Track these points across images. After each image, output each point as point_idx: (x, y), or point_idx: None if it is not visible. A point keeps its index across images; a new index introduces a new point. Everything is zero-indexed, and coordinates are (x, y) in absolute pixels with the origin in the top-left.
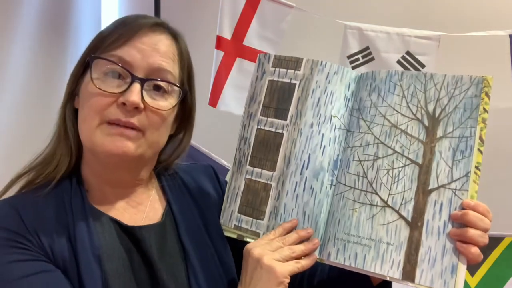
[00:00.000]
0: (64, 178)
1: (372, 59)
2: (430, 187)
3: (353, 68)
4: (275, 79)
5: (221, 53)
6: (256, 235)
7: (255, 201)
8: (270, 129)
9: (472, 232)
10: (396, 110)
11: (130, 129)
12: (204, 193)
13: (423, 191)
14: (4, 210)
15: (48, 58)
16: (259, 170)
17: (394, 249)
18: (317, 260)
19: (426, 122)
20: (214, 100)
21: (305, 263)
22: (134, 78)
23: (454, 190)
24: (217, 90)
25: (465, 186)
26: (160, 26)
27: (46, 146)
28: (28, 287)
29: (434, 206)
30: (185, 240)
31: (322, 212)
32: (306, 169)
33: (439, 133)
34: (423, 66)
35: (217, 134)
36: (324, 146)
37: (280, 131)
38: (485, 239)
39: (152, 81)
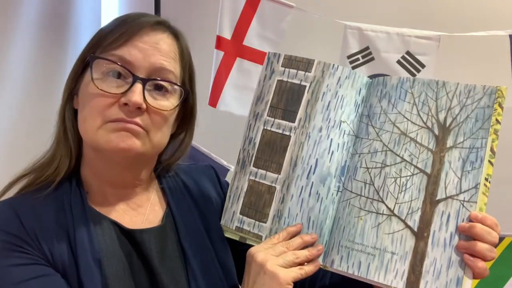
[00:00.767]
0: (63, 180)
1: (372, 59)
2: (438, 197)
3: (353, 68)
4: (285, 79)
5: (221, 53)
6: (258, 237)
7: (258, 203)
8: (277, 130)
9: (480, 246)
10: (406, 118)
11: (135, 125)
12: (205, 195)
13: (430, 201)
14: (4, 212)
15: (48, 58)
16: (263, 171)
17: (399, 259)
18: (321, 266)
19: (436, 131)
20: (214, 100)
21: (308, 269)
22: (135, 78)
23: (462, 202)
24: (217, 90)
25: (474, 198)
26: (161, 24)
27: (48, 148)
28: None
29: (441, 217)
30: (185, 244)
31: (327, 218)
32: (313, 174)
33: (449, 142)
34: (423, 66)
35: (217, 134)
36: (332, 152)
37: (287, 133)
38: (493, 254)
39: (153, 81)
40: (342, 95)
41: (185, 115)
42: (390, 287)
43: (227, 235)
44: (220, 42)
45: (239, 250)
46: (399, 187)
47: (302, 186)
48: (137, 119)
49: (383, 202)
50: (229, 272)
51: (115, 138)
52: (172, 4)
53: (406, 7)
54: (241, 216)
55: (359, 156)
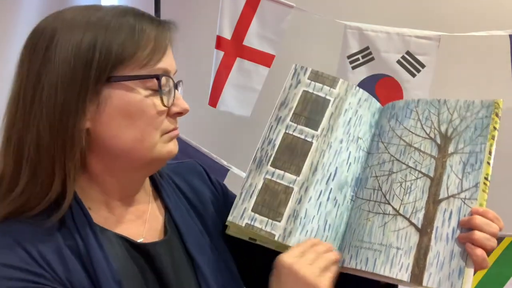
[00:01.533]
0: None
1: (372, 59)
2: (441, 197)
3: (353, 68)
4: (310, 90)
5: (221, 53)
6: (271, 236)
7: (272, 202)
8: (299, 135)
9: (478, 235)
10: (411, 132)
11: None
12: (199, 195)
13: (433, 201)
14: (9, 247)
15: None
16: (281, 172)
17: (404, 253)
18: None
19: (438, 141)
20: (214, 100)
21: (334, 270)
22: (175, 86)
23: (463, 199)
24: (217, 90)
25: (475, 196)
26: (168, 21)
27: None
28: None
29: (444, 214)
30: (191, 248)
31: (342, 223)
32: (332, 180)
33: (451, 149)
34: (423, 66)
35: (217, 134)
36: (350, 163)
37: (309, 139)
38: (492, 243)
39: (179, 83)
40: (361, 115)
41: None
42: (395, 280)
43: (230, 233)
44: (220, 42)
45: (233, 243)
46: (404, 189)
47: (321, 190)
48: None
49: (389, 203)
50: (233, 269)
51: (173, 146)
52: (172, 4)
53: (406, 7)
54: (253, 213)
55: (370, 168)
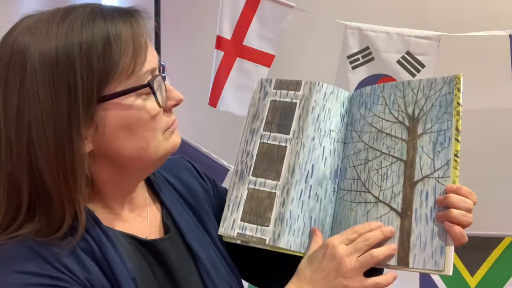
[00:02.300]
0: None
1: (372, 59)
2: (416, 179)
3: (353, 68)
4: (277, 99)
5: (221, 53)
6: (262, 241)
7: (259, 209)
8: (273, 142)
9: (454, 212)
10: (380, 117)
11: None
12: (192, 191)
13: (409, 184)
14: (28, 256)
15: None
16: (262, 180)
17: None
18: None
19: (407, 123)
20: (214, 100)
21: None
22: (163, 78)
23: (437, 178)
24: (217, 90)
25: (447, 173)
26: (138, 12)
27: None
28: None
29: (421, 196)
30: (191, 242)
31: (327, 216)
32: (311, 177)
33: (419, 130)
34: (423, 66)
35: (217, 134)
36: (326, 157)
37: (283, 144)
38: (468, 218)
39: (165, 71)
40: (329, 108)
41: None
42: (383, 264)
43: (225, 240)
44: (220, 42)
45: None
46: (381, 176)
47: (302, 190)
48: None
49: (369, 192)
50: (229, 260)
51: (176, 138)
52: (172, 4)
53: (406, 7)
54: (242, 222)
55: (347, 158)
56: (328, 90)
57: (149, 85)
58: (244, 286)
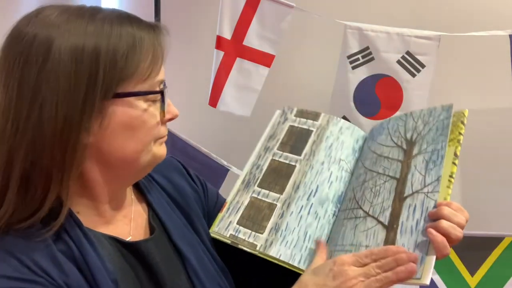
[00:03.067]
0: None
1: (372, 59)
2: (406, 194)
3: (353, 68)
4: (295, 125)
5: (221, 53)
6: (253, 246)
7: (257, 217)
8: (284, 160)
9: (444, 223)
10: (382, 144)
11: None
12: (181, 191)
13: (399, 199)
14: (3, 259)
15: None
16: (266, 191)
17: None
18: None
19: (404, 146)
20: (214, 100)
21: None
22: (164, 93)
23: (426, 193)
24: (217, 90)
25: (436, 188)
26: (161, 27)
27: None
28: None
29: (409, 209)
30: (178, 242)
31: (323, 235)
32: (313, 196)
33: (415, 151)
34: (423, 66)
35: (217, 134)
36: (332, 182)
37: (293, 163)
38: (457, 232)
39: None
40: (342, 140)
41: None
42: None
43: (215, 237)
44: (220, 42)
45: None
46: (373, 193)
47: (302, 205)
48: None
49: (361, 208)
50: (219, 261)
51: (164, 150)
52: (172, 4)
53: (406, 7)
54: (237, 225)
55: (350, 184)
56: (345, 125)
57: (162, 92)
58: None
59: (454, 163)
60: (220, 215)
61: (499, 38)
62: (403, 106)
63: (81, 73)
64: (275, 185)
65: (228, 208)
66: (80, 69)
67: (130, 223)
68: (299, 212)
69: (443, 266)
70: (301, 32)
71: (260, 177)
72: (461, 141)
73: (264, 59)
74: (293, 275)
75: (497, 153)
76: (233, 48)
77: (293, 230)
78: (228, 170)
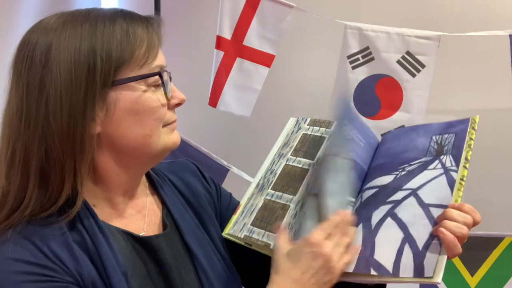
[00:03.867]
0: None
1: (372, 59)
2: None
3: (353, 68)
4: (309, 133)
5: (221, 53)
6: (266, 245)
7: (270, 217)
8: (297, 165)
9: (447, 223)
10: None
11: None
12: (194, 192)
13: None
14: (22, 245)
15: None
16: (280, 193)
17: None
18: None
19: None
20: (214, 100)
21: (349, 256)
22: (170, 78)
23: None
24: (217, 90)
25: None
26: (155, 18)
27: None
28: None
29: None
30: (189, 241)
31: None
32: None
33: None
34: (423, 66)
35: (217, 134)
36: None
37: (306, 167)
38: (462, 230)
39: (170, 75)
40: None
41: None
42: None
43: (228, 237)
44: (220, 42)
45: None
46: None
47: None
48: None
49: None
50: (229, 262)
51: (176, 137)
52: (172, 4)
53: (406, 7)
54: (251, 227)
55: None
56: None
57: (159, 74)
58: None
59: (465, 167)
60: (234, 218)
61: (499, 38)
62: (403, 106)
63: (79, 67)
64: (288, 187)
65: (242, 211)
66: (78, 64)
67: (144, 219)
68: None
69: None
70: (301, 32)
71: (274, 181)
72: (472, 146)
73: (264, 59)
74: None
75: (497, 153)
76: (233, 48)
77: (306, 230)
78: (228, 170)
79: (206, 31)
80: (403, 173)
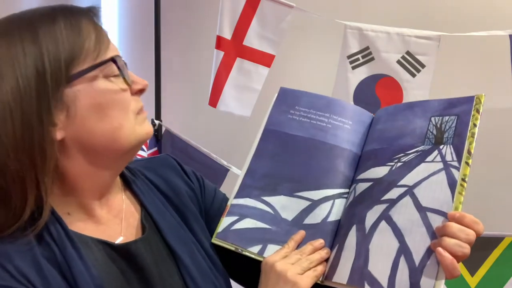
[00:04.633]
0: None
1: (372, 59)
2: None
3: (353, 68)
4: None
5: (221, 53)
6: (260, 255)
7: None
8: None
9: (447, 241)
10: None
11: None
12: (175, 189)
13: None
14: None
15: None
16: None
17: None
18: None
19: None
20: (214, 100)
21: (320, 269)
22: (119, 62)
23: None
24: (217, 90)
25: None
26: (96, 8)
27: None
28: None
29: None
30: (171, 241)
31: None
32: None
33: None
34: (423, 66)
35: (217, 134)
36: None
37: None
38: (463, 249)
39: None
40: None
41: None
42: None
43: (219, 243)
44: (220, 42)
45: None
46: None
47: None
48: None
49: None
50: (215, 259)
51: (149, 126)
52: (172, 4)
53: (406, 7)
54: None
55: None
56: None
57: (113, 59)
58: (233, 286)
59: (467, 163)
60: (222, 220)
61: (499, 38)
62: None
63: (26, 72)
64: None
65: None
66: (25, 69)
67: (121, 223)
68: None
69: None
70: (301, 32)
71: None
72: (475, 134)
73: (264, 59)
74: None
75: (497, 153)
76: (233, 48)
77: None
78: (228, 170)
79: (206, 31)
80: (399, 164)
